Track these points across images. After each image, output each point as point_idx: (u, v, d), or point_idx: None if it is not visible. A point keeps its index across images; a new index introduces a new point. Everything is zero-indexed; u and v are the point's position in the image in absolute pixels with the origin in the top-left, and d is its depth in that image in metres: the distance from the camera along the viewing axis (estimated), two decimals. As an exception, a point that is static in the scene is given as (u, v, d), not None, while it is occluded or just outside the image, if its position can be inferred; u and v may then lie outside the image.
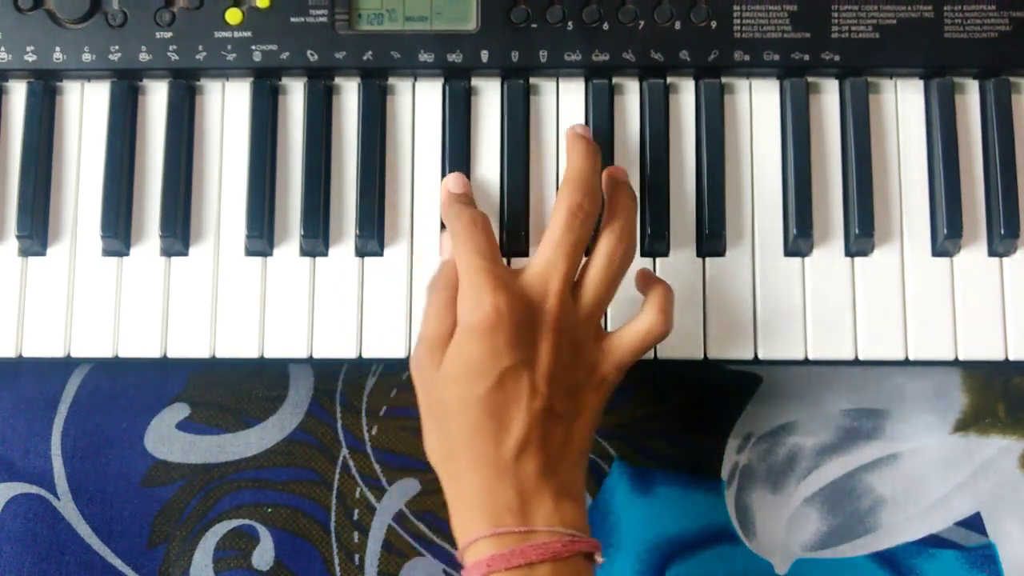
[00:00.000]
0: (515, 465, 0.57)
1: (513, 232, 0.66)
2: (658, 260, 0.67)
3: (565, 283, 0.59)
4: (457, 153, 0.67)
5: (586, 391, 0.59)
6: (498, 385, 0.57)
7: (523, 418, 0.57)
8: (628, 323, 0.61)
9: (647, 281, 0.63)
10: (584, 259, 0.61)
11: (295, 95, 0.68)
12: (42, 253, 0.67)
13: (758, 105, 0.68)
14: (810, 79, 0.68)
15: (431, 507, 0.69)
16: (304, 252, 0.67)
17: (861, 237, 0.66)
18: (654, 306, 0.61)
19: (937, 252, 0.67)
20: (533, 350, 0.58)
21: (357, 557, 0.68)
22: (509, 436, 0.57)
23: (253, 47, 0.67)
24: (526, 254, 0.66)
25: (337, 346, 0.66)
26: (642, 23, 0.67)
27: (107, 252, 0.67)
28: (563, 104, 0.68)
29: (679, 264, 0.67)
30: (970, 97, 0.68)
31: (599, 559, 0.57)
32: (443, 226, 0.66)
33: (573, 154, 0.62)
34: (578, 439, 0.59)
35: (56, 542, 0.68)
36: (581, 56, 0.67)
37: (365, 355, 0.66)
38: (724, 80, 0.68)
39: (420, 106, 0.68)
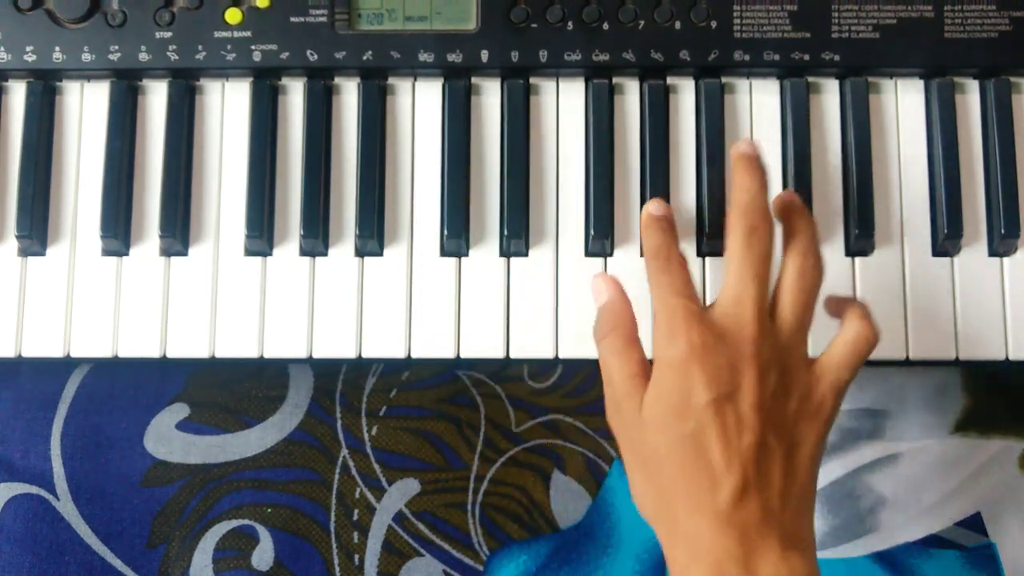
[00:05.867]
0: (734, 510, 0.53)
1: (514, 233, 0.66)
2: (658, 260, 0.67)
3: (758, 305, 0.56)
4: (457, 153, 0.67)
5: (802, 421, 0.56)
6: (703, 422, 0.54)
7: (735, 457, 0.54)
8: (834, 340, 0.58)
9: (838, 301, 0.61)
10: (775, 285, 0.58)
11: (295, 95, 0.68)
12: (41, 253, 0.67)
13: (758, 105, 0.68)
14: (810, 79, 0.68)
15: (431, 507, 0.69)
16: (304, 252, 0.67)
17: (861, 237, 0.66)
18: (855, 315, 0.58)
19: (937, 252, 0.67)
20: (735, 381, 0.54)
21: (357, 557, 0.68)
22: (724, 477, 0.53)
23: (253, 47, 0.67)
24: (527, 255, 0.66)
25: (337, 346, 0.66)
26: (642, 23, 0.67)
27: (107, 252, 0.67)
28: (563, 104, 0.68)
29: (679, 264, 0.67)
30: (970, 97, 0.68)
31: None
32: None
33: (737, 175, 0.60)
34: (800, 476, 0.55)
35: (56, 542, 0.68)
36: (581, 56, 0.67)
37: (365, 355, 0.66)
38: (724, 80, 0.68)
39: (420, 106, 0.68)
